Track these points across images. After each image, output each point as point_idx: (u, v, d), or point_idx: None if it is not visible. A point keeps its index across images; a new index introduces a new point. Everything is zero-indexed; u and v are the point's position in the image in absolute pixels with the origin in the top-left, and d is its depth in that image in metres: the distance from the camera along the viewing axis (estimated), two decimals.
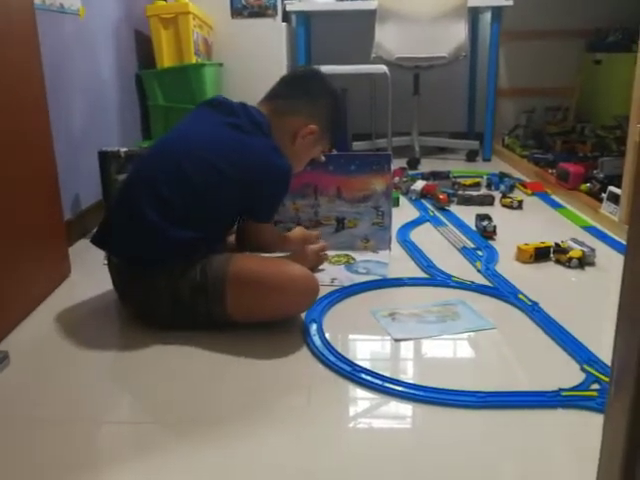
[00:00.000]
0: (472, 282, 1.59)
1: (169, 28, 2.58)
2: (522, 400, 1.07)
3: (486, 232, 1.96)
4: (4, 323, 1.34)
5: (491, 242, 1.92)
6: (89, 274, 1.68)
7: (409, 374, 1.19)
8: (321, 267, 1.68)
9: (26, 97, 1.46)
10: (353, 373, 1.14)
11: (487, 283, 1.59)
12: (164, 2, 2.70)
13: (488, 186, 2.63)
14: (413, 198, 2.46)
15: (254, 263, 1.34)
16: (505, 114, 3.74)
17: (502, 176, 2.71)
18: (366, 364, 1.18)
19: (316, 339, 1.27)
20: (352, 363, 1.18)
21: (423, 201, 2.43)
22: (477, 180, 2.61)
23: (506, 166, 3.16)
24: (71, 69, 2.02)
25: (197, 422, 1.02)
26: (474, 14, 3.56)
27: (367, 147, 3.32)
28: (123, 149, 2.02)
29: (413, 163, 3.12)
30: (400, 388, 1.10)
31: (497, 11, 3.17)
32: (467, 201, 2.38)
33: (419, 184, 2.50)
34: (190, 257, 1.29)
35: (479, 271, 1.68)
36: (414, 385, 1.11)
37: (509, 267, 1.70)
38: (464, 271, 1.68)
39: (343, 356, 1.20)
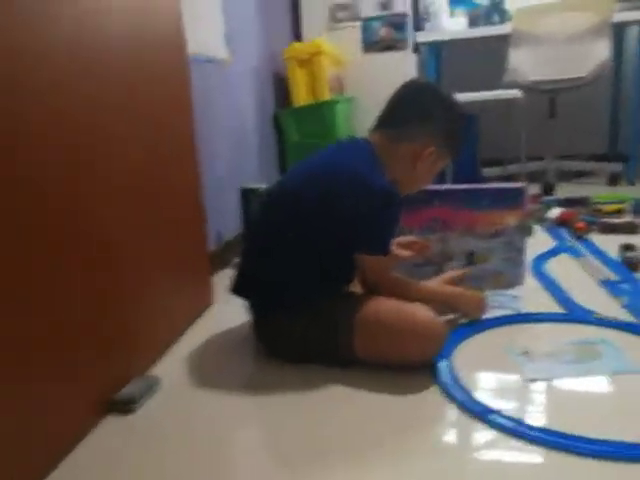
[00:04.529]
0: (616, 319, 1.50)
1: (304, 68, 2.72)
2: None
3: (631, 264, 1.85)
4: (154, 349, 1.47)
5: (637, 275, 1.80)
6: (230, 302, 1.78)
7: (543, 418, 1.14)
8: None
9: (180, 147, 1.62)
10: (484, 414, 1.13)
11: (634, 320, 1.50)
12: (300, 44, 2.85)
13: (635, 212, 2.46)
14: (549, 227, 2.36)
15: (380, 306, 1.33)
16: None
17: None
18: (498, 405, 1.16)
19: (446, 377, 1.27)
20: (483, 404, 1.16)
21: (560, 229, 2.34)
22: (620, 207, 2.46)
23: None
24: (216, 111, 2.19)
25: (324, 458, 1.06)
26: (619, 29, 3.37)
27: (498, 173, 3.25)
28: (263, 186, 2.15)
29: (547, 188, 3.00)
30: (534, 433, 1.06)
31: None
32: (609, 229, 2.25)
33: (555, 211, 2.41)
34: (317, 302, 1.35)
35: (624, 307, 1.58)
36: (548, 431, 1.07)
37: None
38: (606, 306, 1.59)
39: (474, 396, 1.19)
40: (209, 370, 1.42)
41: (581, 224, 2.22)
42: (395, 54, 3.04)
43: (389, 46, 3.04)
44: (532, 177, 3.08)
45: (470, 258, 1.77)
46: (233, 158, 2.33)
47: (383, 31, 3.02)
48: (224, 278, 2.00)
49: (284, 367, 1.38)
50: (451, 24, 3.22)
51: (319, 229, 1.34)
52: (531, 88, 3.04)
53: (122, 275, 1.30)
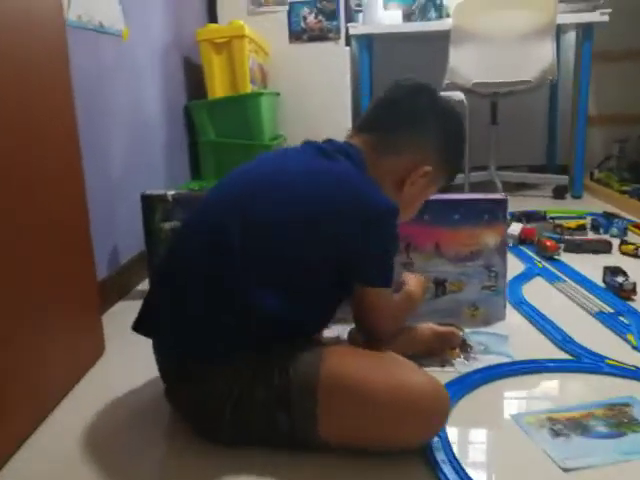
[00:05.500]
0: (636, 367, 1.18)
1: (222, 53, 2.28)
2: None
3: (623, 291, 1.55)
4: (13, 434, 0.98)
5: (630, 303, 1.51)
6: (129, 349, 1.29)
7: None
8: None
9: (53, 133, 1.14)
10: None
11: None
12: (217, 25, 2.41)
13: (594, 228, 2.22)
14: (510, 244, 2.06)
15: (356, 364, 0.93)
16: (592, 145, 3.31)
17: (608, 216, 2.29)
18: None
19: (448, 470, 0.88)
20: None
21: (522, 248, 2.04)
22: (583, 222, 2.20)
23: (601, 203, 2.74)
24: (110, 99, 1.72)
25: None
26: (556, 34, 3.18)
27: None
28: (170, 192, 1.69)
29: None
30: None
31: (589, 29, 2.78)
32: (578, 248, 1.98)
33: (515, 227, 2.11)
34: (267, 351, 0.92)
35: (635, 348, 1.27)
36: None
37: None
38: (613, 347, 1.27)
39: None
40: (99, 461, 0.95)
41: (550, 243, 1.92)
42: (326, 45, 2.66)
43: (319, 36, 2.66)
44: (475, 188, 2.78)
45: (442, 286, 1.41)
46: (132, 157, 1.86)
47: (312, 19, 2.64)
48: (122, 313, 1.54)
49: (213, 450, 0.94)
50: (385, 17, 2.89)
51: (306, 247, 0.96)
52: (472, 91, 2.77)
53: None
